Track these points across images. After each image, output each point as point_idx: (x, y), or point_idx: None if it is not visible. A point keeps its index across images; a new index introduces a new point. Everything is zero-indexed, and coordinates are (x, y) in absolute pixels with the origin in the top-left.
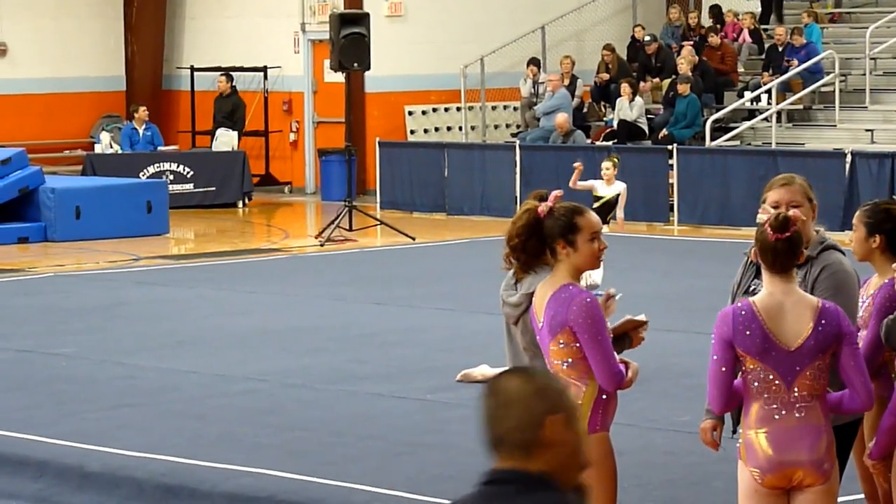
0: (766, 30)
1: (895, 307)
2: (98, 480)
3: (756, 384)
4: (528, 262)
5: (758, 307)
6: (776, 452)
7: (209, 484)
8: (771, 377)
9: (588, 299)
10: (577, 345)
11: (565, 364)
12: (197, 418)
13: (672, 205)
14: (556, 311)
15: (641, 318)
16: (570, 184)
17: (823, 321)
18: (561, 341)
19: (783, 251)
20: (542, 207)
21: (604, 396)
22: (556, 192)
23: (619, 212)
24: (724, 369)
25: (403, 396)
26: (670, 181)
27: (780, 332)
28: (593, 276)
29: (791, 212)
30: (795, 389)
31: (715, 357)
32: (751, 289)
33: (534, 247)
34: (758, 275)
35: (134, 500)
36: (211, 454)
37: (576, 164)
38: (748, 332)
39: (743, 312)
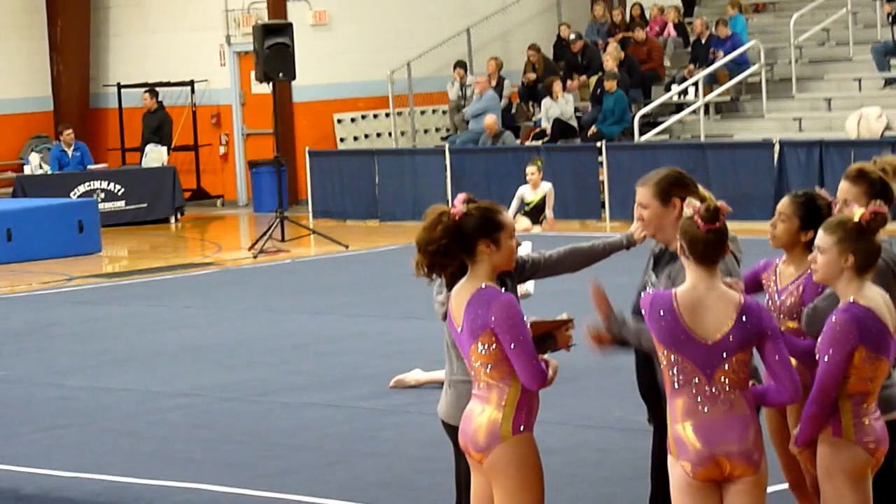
0: (690, 23)
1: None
2: (33, 503)
3: (677, 377)
4: (444, 265)
5: (677, 299)
6: (704, 445)
7: (145, 502)
8: (688, 369)
9: (506, 300)
10: (499, 347)
11: (488, 367)
12: (131, 436)
13: (603, 201)
14: (476, 314)
15: (563, 316)
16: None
17: (745, 317)
18: (482, 343)
19: (712, 242)
20: (457, 209)
21: (526, 397)
22: (462, 195)
23: (549, 211)
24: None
25: (338, 405)
26: (601, 178)
27: (697, 325)
28: (527, 286)
29: (720, 203)
30: (717, 382)
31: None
32: (646, 281)
33: (453, 250)
34: (654, 266)
35: None
36: (146, 471)
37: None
38: (663, 323)
39: (660, 301)
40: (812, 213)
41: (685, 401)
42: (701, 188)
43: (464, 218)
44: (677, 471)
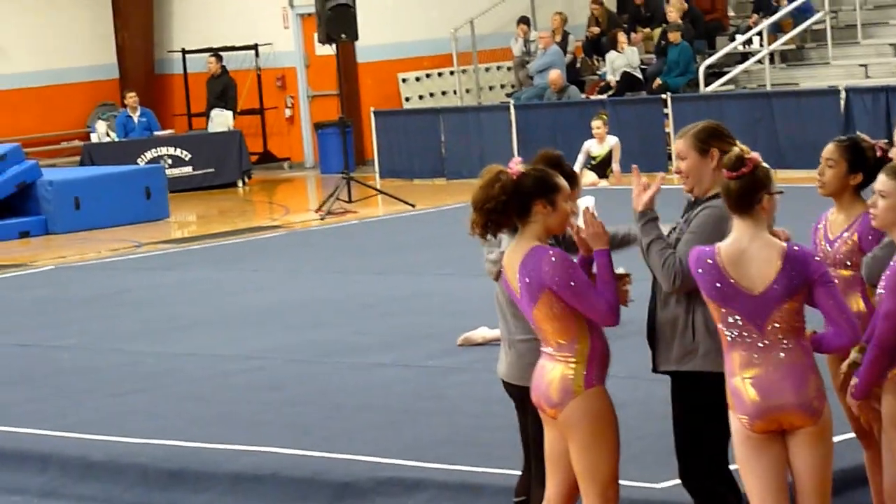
0: None
1: (875, 243)
2: (102, 469)
3: (729, 330)
4: (501, 224)
5: (720, 253)
6: (762, 398)
7: (212, 465)
8: (740, 322)
9: (555, 254)
10: (562, 304)
11: (555, 326)
12: (199, 400)
13: (670, 153)
14: (531, 277)
15: (620, 271)
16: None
17: (790, 265)
18: (544, 304)
19: (738, 190)
20: (515, 169)
21: (597, 351)
22: (517, 158)
23: (615, 165)
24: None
25: (405, 364)
26: (667, 130)
27: (742, 277)
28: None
29: (752, 153)
30: (769, 332)
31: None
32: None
33: (511, 209)
34: (683, 214)
35: (139, 487)
36: (213, 435)
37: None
38: (708, 277)
39: (705, 257)
40: (858, 156)
41: (740, 354)
42: (738, 142)
43: (522, 177)
44: (736, 424)
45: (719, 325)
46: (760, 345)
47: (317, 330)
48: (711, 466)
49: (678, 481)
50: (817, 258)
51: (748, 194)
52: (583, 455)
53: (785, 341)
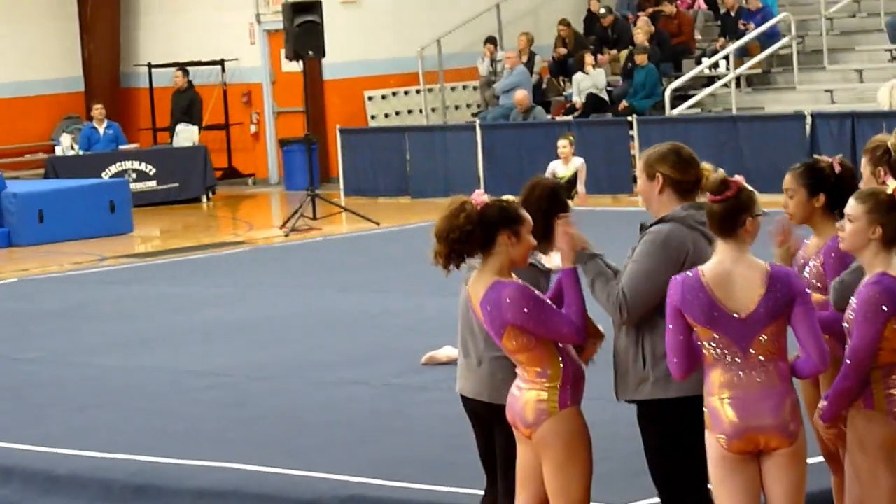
0: None
1: (845, 266)
2: (66, 484)
3: (712, 351)
4: (465, 255)
5: (705, 276)
6: (740, 418)
7: (176, 481)
8: (724, 344)
9: (512, 290)
10: (527, 335)
11: (524, 356)
12: (163, 415)
13: (635, 176)
14: (493, 314)
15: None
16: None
17: (774, 286)
18: (509, 338)
19: (721, 213)
20: (480, 199)
21: (570, 373)
22: (479, 190)
23: (581, 186)
24: (680, 337)
25: (369, 382)
26: (632, 152)
27: (728, 299)
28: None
29: (736, 176)
30: (752, 355)
31: (670, 326)
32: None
33: (476, 239)
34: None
35: (102, 502)
36: (177, 451)
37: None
38: (695, 302)
39: (690, 281)
40: (815, 179)
41: (721, 374)
42: (705, 164)
43: (486, 208)
44: (713, 443)
45: (702, 344)
46: (742, 366)
47: (281, 346)
48: (685, 490)
49: (645, 502)
50: (798, 277)
51: (732, 217)
52: (556, 475)
53: (766, 363)
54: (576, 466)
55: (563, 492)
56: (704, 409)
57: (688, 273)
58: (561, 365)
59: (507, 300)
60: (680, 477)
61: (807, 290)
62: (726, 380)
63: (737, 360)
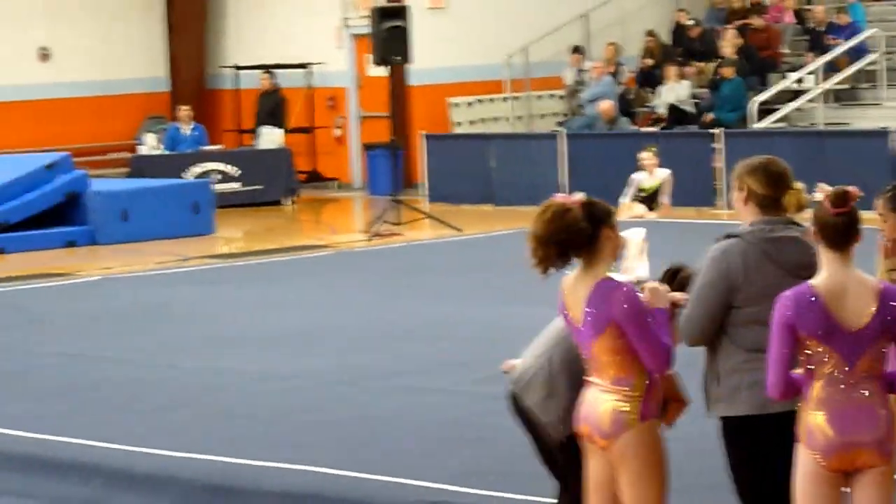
0: (808, 10)
1: None
2: (146, 482)
3: (816, 366)
4: (571, 255)
5: (820, 289)
6: (838, 434)
7: (258, 483)
8: (833, 359)
9: (628, 290)
10: (625, 340)
11: (615, 359)
12: (241, 417)
13: (719, 189)
14: (600, 308)
15: (683, 396)
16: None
17: (886, 303)
18: (609, 337)
19: (842, 226)
20: (576, 199)
21: (653, 386)
22: (561, 194)
23: (665, 198)
24: (785, 351)
25: (448, 389)
26: (717, 165)
27: (842, 313)
28: (638, 272)
29: (850, 188)
30: (856, 370)
31: (776, 341)
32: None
33: (581, 238)
34: None
35: (182, 501)
36: (254, 453)
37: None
38: (810, 315)
39: (803, 295)
40: None
41: (823, 389)
42: (797, 184)
43: (586, 206)
44: (807, 460)
45: (808, 360)
46: (845, 382)
47: (361, 352)
48: None
49: None
50: None
51: (848, 230)
52: (634, 487)
53: (868, 379)
54: (654, 480)
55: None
56: (800, 424)
57: (800, 287)
58: (646, 379)
59: (618, 295)
60: (755, 495)
61: None
62: (826, 395)
63: (841, 375)
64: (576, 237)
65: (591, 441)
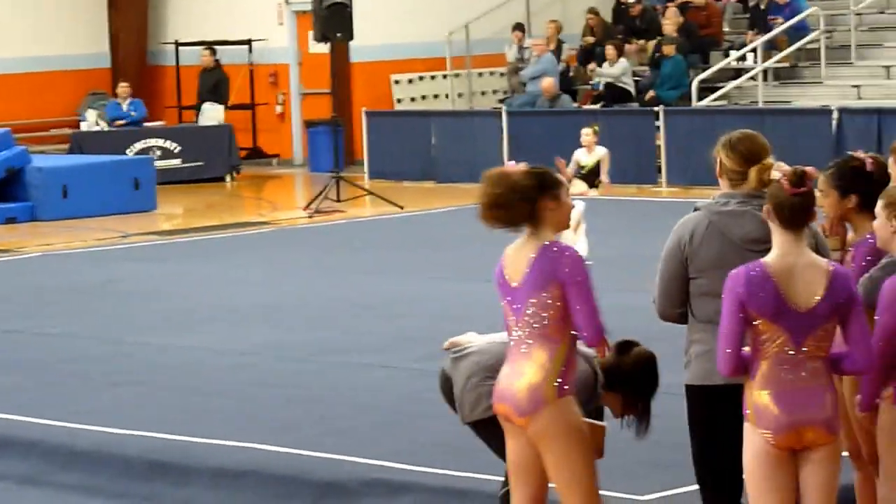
0: None
1: (873, 264)
2: (86, 459)
3: (765, 345)
4: (513, 221)
5: (771, 268)
6: (785, 413)
7: (197, 459)
8: (782, 338)
9: (578, 255)
10: (562, 301)
11: (544, 321)
12: (185, 393)
13: (660, 166)
14: (544, 267)
15: (600, 423)
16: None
17: (835, 285)
18: (547, 296)
19: (798, 206)
20: (520, 167)
21: (571, 359)
22: (511, 162)
23: (604, 176)
24: (737, 329)
25: (394, 366)
26: (658, 143)
27: (792, 293)
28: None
29: (808, 168)
30: (804, 350)
31: (727, 318)
32: None
33: (521, 206)
34: None
35: (122, 478)
36: (200, 430)
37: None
38: (762, 294)
39: (755, 274)
40: (846, 180)
41: (770, 369)
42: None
43: (525, 176)
44: (756, 439)
45: (756, 339)
46: (792, 361)
47: (305, 328)
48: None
49: (663, 494)
50: (854, 279)
51: (805, 210)
52: (562, 468)
53: (814, 360)
54: (583, 456)
55: (575, 483)
56: (747, 404)
57: (750, 265)
58: (567, 350)
59: (569, 257)
60: (703, 461)
61: (858, 292)
62: (773, 374)
63: (788, 354)
64: (510, 205)
65: (509, 420)
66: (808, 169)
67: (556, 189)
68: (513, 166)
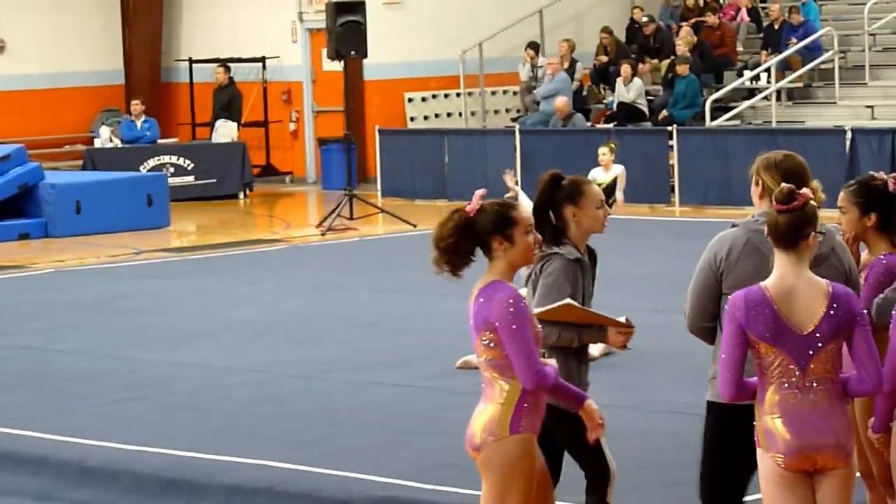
0: (764, 8)
1: (887, 284)
2: (98, 475)
3: (770, 369)
4: (459, 263)
5: (769, 291)
6: (795, 437)
7: (208, 476)
8: (784, 362)
9: (508, 295)
10: (498, 342)
11: (490, 361)
12: (197, 411)
13: (673, 186)
14: (480, 308)
15: (622, 319)
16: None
17: (836, 305)
18: (485, 338)
19: (786, 224)
20: (471, 206)
21: (528, 397)
22: (479, 191)
23: (619, 194)
24: (737, 353)
25: (404, 384)
26: (671, 162)
27: (792, 316)
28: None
29: (804, 189)
30: (810, 373)
31: (727, 342)
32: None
33: (465, 248)
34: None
35: (134, 494)
36: (210, 446)
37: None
38: (760, 318)
39: (753, 297)
40: (867, 197)
41: (777, 393)
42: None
43: (477, 215)
44: (768, 463)
45: (761, 363)
46: (799, 385)
47: (316, 345)
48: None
49: None
50: (857, 298)
51: (796, 230)
52: (493, 501)
53: (822, 382)
54: (515, 495)
55: None
56: (758, 428)
57: (749, 288)
58: (521, 385)
59: (498, 298)
60: (707, 476)
61: (864, 312)
62: (781, 398)
63: (794, 378)
64: (454, 245)
65: (470, 455)
66: (804, 190)
67: (510, 229)
68: (475, 199)
